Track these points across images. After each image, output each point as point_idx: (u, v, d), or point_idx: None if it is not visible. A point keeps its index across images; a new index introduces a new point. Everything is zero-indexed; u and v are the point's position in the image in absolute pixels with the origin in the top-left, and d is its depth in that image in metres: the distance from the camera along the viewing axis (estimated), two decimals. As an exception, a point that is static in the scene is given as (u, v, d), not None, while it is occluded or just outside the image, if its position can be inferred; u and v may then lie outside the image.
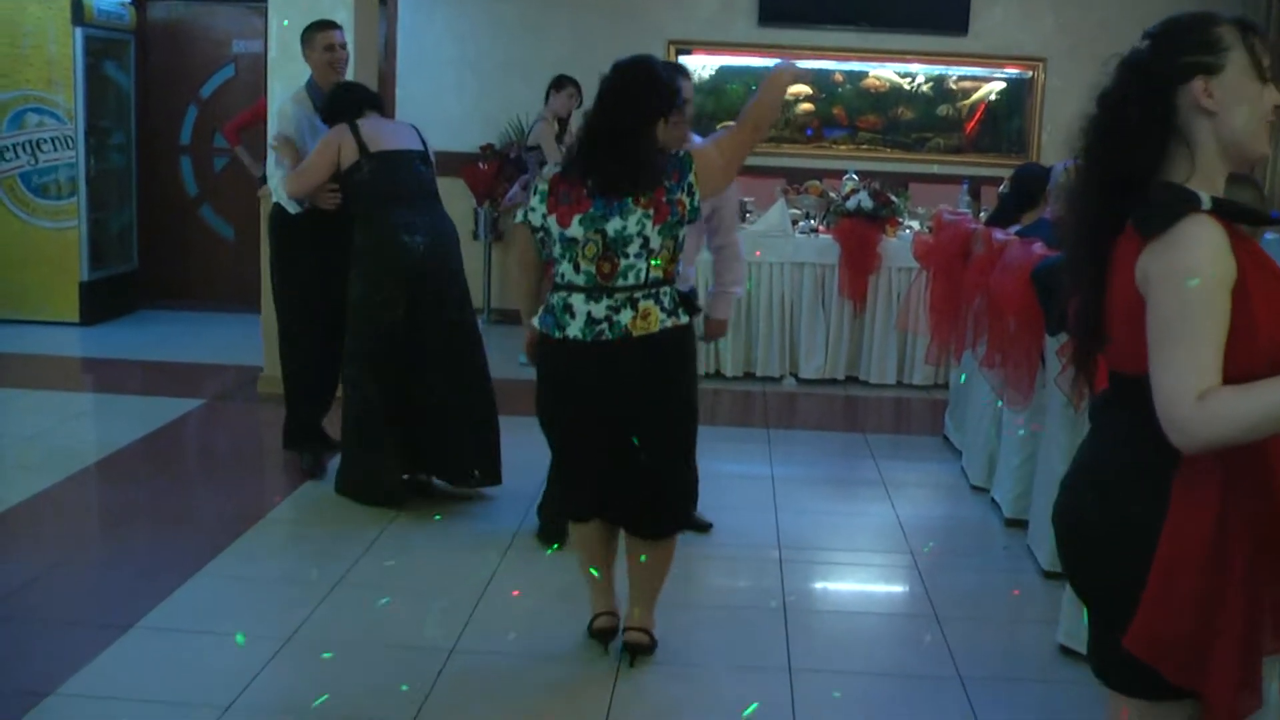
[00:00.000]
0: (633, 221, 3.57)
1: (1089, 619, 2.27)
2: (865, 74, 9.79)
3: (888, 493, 5.87)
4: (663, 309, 3.63)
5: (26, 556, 4.65)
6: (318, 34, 5.76)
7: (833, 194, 8.39)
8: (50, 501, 5.33)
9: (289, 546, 4.91)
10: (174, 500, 5.40)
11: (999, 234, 5.59)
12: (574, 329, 3.61)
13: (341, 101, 5.41)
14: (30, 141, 8.93)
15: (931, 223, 7.84)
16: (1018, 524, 5.28)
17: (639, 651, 3.94)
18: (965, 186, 8.56)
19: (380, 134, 5.31)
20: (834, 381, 8.01)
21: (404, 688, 3.69)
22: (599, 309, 3.59)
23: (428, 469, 5.43)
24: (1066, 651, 4.07)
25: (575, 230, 3.59)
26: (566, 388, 3.72)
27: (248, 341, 8.02)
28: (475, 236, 9.69)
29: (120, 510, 5.43)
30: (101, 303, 9.34)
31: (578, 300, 3.61)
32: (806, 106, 9.82)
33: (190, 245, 10.09)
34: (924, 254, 6.57)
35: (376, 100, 5.55)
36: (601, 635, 4.00)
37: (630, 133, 3.62)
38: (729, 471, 5.94)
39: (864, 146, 9.81)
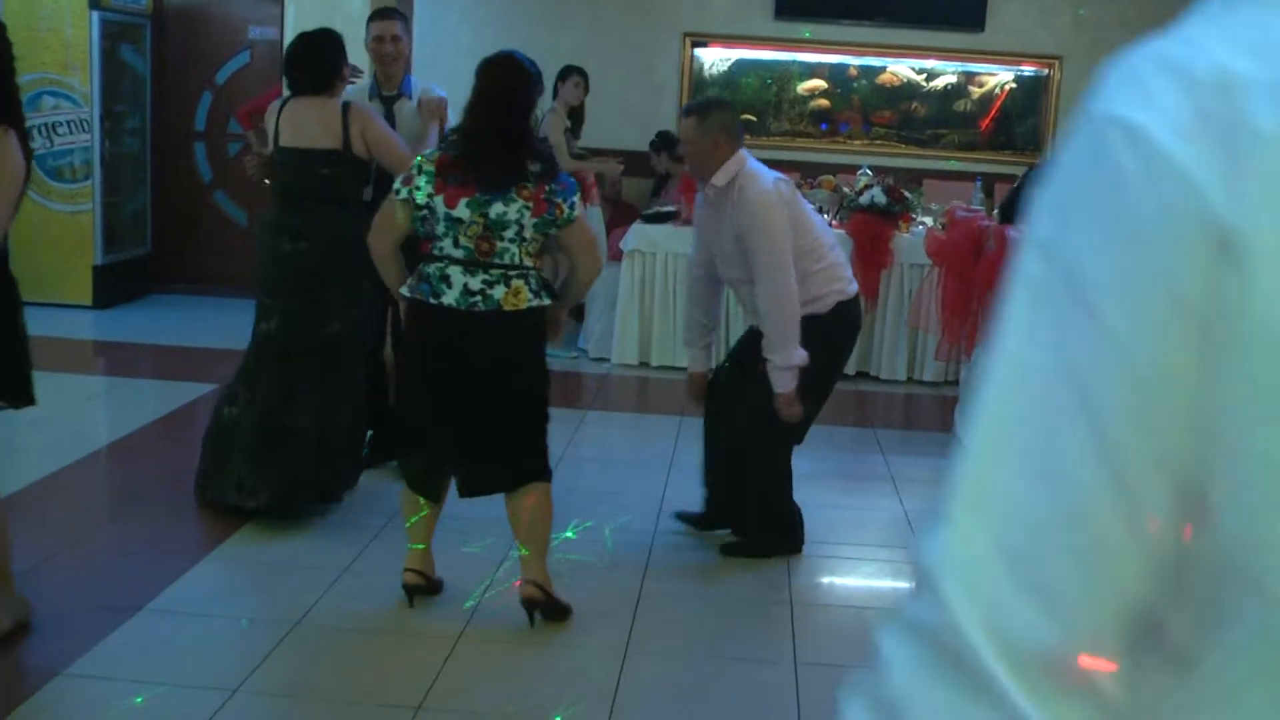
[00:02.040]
0: (513, 209, 3.89)
1: None
2: (881, 69, 9.78)
3: (896, 488, 5.87)
4: (530, 289, 3.97)
5: (37, 538, 4.66)
6: (371, 23, 5.66)
7: (846, 189, 8.38)
8: (61, 484, 5.36)
9: (298, 531, 4.91)
10: (184, 484, 5.41)
11: (1012, 231, 5.58)
12: (449, 297, 3.93)
13: (305, 62, 5.02)
14: (46, 124, 8.94)
15: (944, 219, 7.84)
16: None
17: (534, 606, 4.12)
18: (979, 183, 8.55)
19: (301, 122, 4.95)
20: (844, 376, 7.98)
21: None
22: (475, 282, 3.92)
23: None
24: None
25: (461, 211, 3.90)
26: (434, 350, 4.02)
27: (260, 327, 8.04)
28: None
29: (130, 493, 5.45)
30: (115, 286, 9.37)
31: (455, 272, 3.93)
32: (822, 101, 9.82)
33: (204, 230, 10.11)
34: (936, 250, 6.57)
35: (330, 77, 5.04)
36: (411, 590, 4.21)
37: (511, 128, 3.96)
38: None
39: (878, 142, 9.81)
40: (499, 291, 3.91)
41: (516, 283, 3.94)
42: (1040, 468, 0.73)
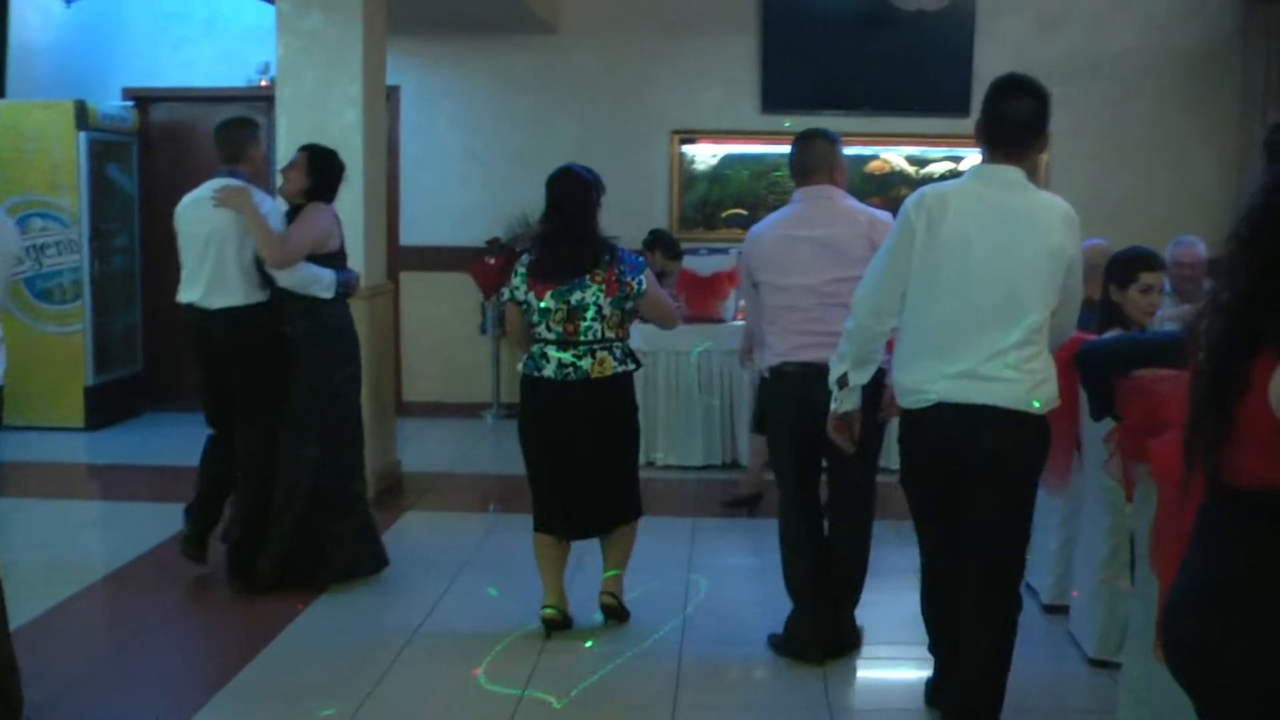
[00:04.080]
0: (589, 294, 4.78)
1: None
2: (871, 157, 9.79)
3: (919, 581, 5.73)
4: (614, 358, 4.84)
5: (40, 676, 4.48)
6: (259, 131, 5.79)
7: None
8: (62, 617, 5.21)
9: (317, 656, 4.76)
10: (192, 613, 5.27)
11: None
12: (548, 370, 4.81)
13: (339, 176, 5.64)
14: (34, 246, 8.87)
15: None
16: (1057, 610, 5.17)
17: (612, 614, 5.02)
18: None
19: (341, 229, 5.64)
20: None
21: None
22: (566, 356, 4.78)
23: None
24: (1125, 744, 3.95)
25: (548, 302, 4.80)
26: (541, 417, 4.87)
27: (257, 443, 7.89)
28: (482, 331, 9.64)
29: (136, 626, 5.26)
30: (107, 407, 9.25)
31: (551, 350, 4.81)
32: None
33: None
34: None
35: None
36: (550, 624, 4.94)
37: (580, 228, 4.83)
38: (757, 564, 5.84)
39: (870, 229, 9.78)
40: (586, 363, 4.76)
41: (601, 354, 4.80)
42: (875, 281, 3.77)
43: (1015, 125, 3.69)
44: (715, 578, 5.71)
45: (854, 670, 4.78)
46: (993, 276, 3.58)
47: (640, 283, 4.85)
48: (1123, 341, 4.25)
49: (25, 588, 5.36)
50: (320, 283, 5.39)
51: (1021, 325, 3.56)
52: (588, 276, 4.77)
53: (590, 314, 4.77)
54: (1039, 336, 3.62)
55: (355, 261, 6.02)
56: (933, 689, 4.31)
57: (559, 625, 4.94)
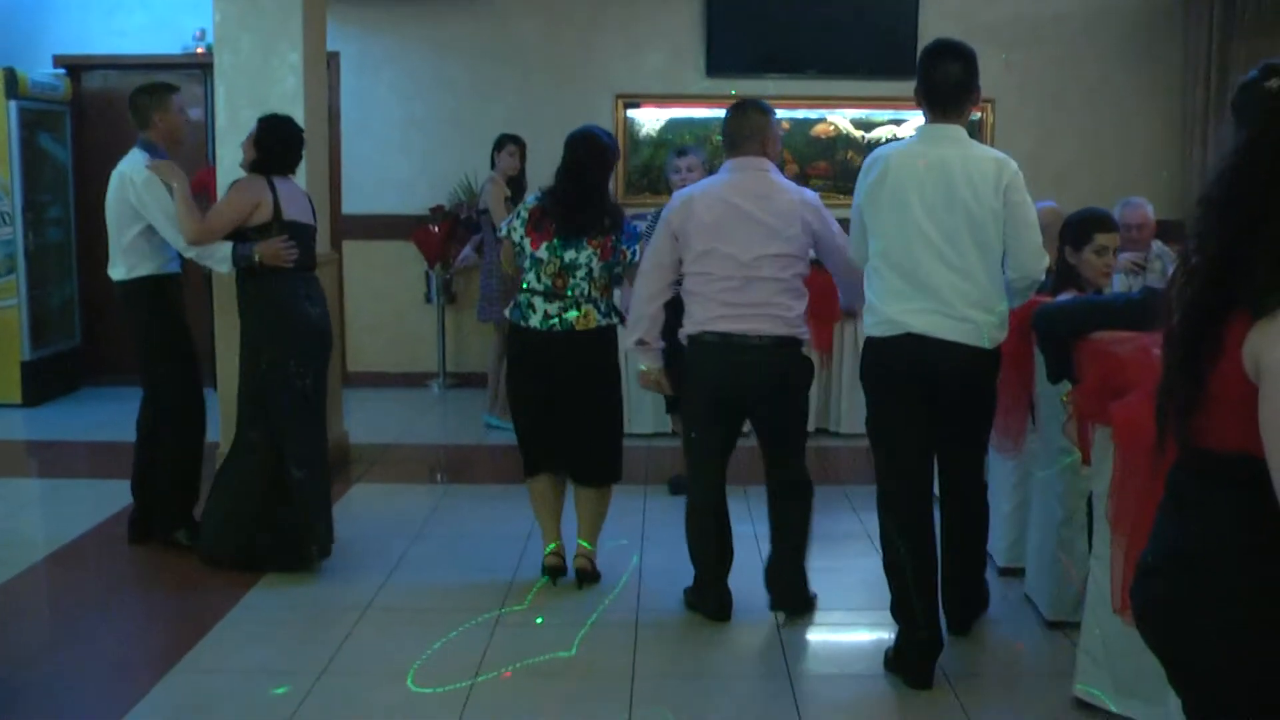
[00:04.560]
0: (584, 255, 4.90)
1: (1188, 708, 2.12)
2: (816, 121, 9.75)
3: (874, 545, 5.72)
4: (599, 312, 4.96)
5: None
6: (172, 97, 5.58)
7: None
8: (18, 590, 5.13)
9: (268, 634, 4.68)
10: (137, 593, 5.16)
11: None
12: (534, 321, 4.92)
13: (285, 146, 5.37)
14: (-35, 219, 8.66)
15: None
16: (1012, 573, 5.18)
17: (586, 578, 5.12)
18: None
19: (291, 200, 5.34)
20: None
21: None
22: (553, 308, 4.90)
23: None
24: (1083, 705, 3.96)
25: (542, 253, 4.92)
26: (525, 365, 5.00)
27: (201, 417, 7.76)
28: (427, 300, 9.54)
29: (80, 608, 5.12)
30: (45, 382, 9.07)
31: (538, 300, 4.92)
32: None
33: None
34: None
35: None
36: (551, 571, 5.14)
37: (589, 192, 4.93)
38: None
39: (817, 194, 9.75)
40: (572, 315, 4.87)
41: (586, 307, 4.91)
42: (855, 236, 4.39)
43: (948, 86, 4.13)
44: (665, 548, 5.68)
45: (811, 635, 4.76)
46: (933, 226, 4.02)
47: (634, 253, 4.95)
48: (1080, 304, 4.23)
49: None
50: (214, 256, 5.28)
51: (961, 269, 4.03)
52: (586, 239, 4.89)
53: (581, 274, 4.89)
54: (984, 278, 4.05)
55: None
56: (893, 656, 4.31)
57: (560, 571, 5.15)
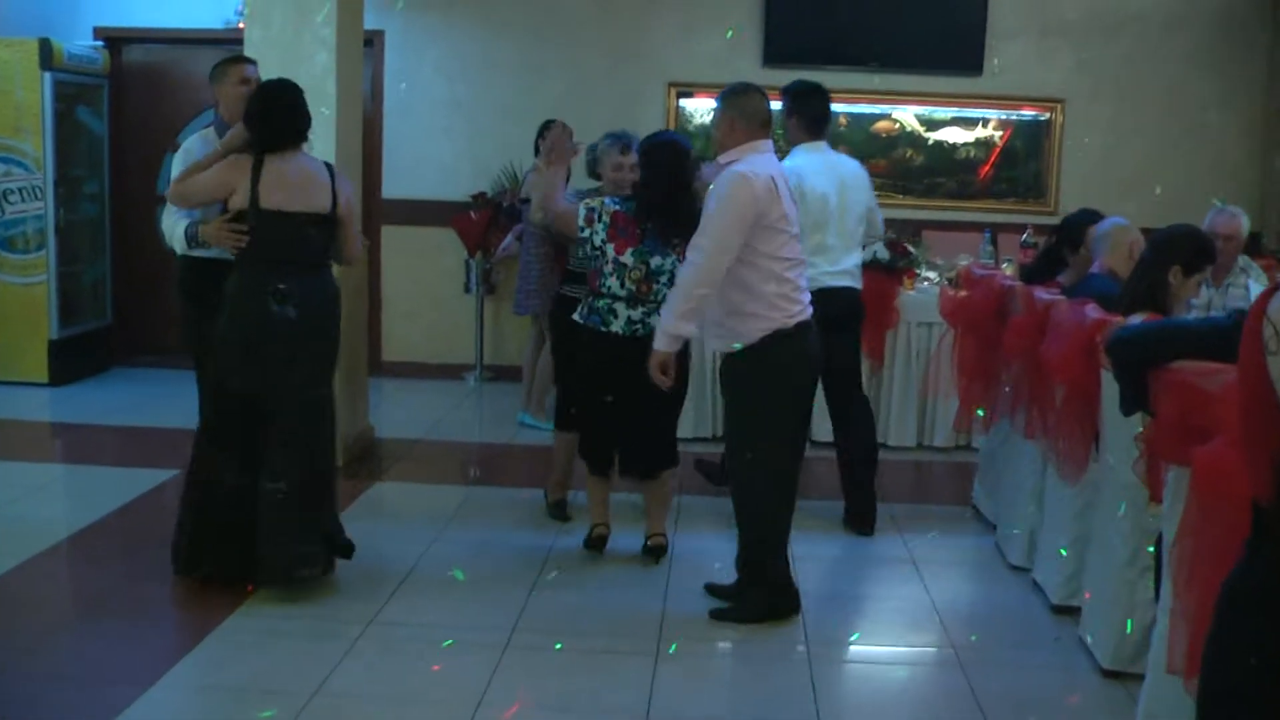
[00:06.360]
0: (669, 262, 5.05)
1: None
2: (878, 116, 9.34)
3: (919, 572, 5.38)
4: None
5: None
6: (231, 67, 5.20)
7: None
8: (15, 584, 4.89)
9: (263, 645, 4.38)
10: (135, 591, 4.88)
11: (1041, 293, 5.12)
12: (616, 326, 5.07)
13: (265, 120, 4.75)
14: (-4, 192, 8.45)
15: (953, 275, 7.39)
16: (1066, 611, 4.79)
17: (660, 552, 5.37)
18: (988, 235, 8.06)
19: (282, 185, 4.70)
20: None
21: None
22: (636, 314, 5.05)
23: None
24: (1142, 773, 3.59)
25: (628, 259, 5.06)
26: (605, 371, 5.09)
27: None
28: (466, 289, 9.23)
29: (92, 596, 4.91)
30: (72, 362, 8.85)
31: (620, 307, 5.06)
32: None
33: (168, 299, 9.52)
34: (952, 312, 6.09)
35: (307, 128, 4.87)
36: (597, 543, 5.39)
37: (672, 200, 5.04)
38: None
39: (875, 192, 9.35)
40: (655, 320, 4.79)
41: None
42: None
43: (820, 116, 5.97)
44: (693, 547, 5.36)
45: (847, 675, 4.41)
46: (842, 213, 5.77)
47: None
48: (1163, 329, 3.71)
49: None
50: (171, 235, 4.97)
51: (856, 244, 5.94)
52: (671, 247, 5.03)
53: (664, 279, 5.02)
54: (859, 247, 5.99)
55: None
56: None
57: (605, 541, 5.39)
